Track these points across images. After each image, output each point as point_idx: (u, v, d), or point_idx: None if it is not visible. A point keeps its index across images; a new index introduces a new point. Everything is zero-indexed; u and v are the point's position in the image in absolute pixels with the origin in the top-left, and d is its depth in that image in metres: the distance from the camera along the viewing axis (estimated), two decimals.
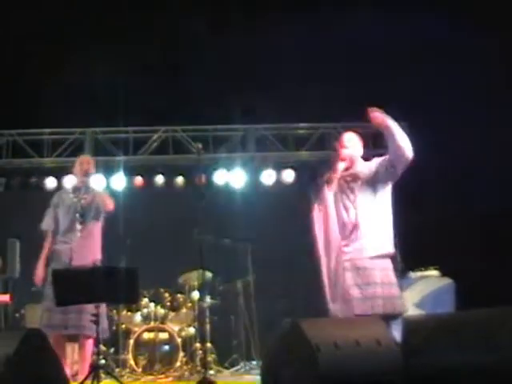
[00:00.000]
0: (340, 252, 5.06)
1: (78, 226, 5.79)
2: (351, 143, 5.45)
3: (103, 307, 5.63)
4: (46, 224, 6.00)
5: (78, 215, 5.79)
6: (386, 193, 5.25)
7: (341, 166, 5.30)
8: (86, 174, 5.97)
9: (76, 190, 5.99)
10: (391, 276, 5.05)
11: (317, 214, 5.26)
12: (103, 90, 8.80)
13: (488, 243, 7.80)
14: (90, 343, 5.82)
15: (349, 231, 5.11)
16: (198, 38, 8.60)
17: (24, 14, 8.06)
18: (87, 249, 5.81)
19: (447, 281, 7.97)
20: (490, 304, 4.02)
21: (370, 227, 5.10)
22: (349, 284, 4.95)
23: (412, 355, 3.94)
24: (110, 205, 5.94)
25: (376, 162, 5.23)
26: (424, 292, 7.94)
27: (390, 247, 5.14)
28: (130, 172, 9.97)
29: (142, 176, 10.08)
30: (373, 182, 5.19)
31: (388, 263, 5.10)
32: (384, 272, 5.02)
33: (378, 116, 5.11)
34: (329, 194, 5.24)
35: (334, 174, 5.27)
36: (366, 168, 5.28)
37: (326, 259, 5.13)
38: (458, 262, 7.71)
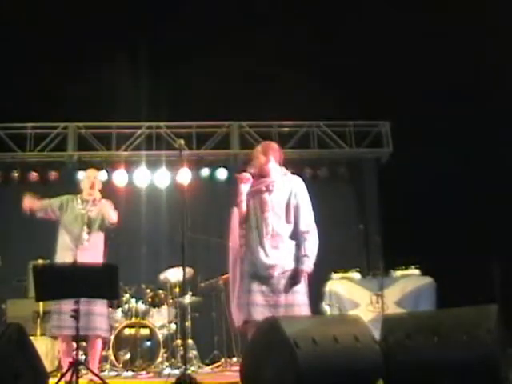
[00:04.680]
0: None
1: (85, 236, 6.08)
2: (265, 153, 5.40)
3: (104, 307, 5.98)
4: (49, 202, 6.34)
5: (85, 226, 6.11)
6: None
7: (244, 188, 5.32)
8: (93, 187, 6.31)
9: (84, 201, 6.27)
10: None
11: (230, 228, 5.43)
12: (87, 84, 8.77)
13: (468, 243, 7.85)
14: (99, 343, 6.16)
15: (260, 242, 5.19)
16: (184, 33, 8.59)
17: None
18: (91, 257, 6.01)
19: (428, 280, 8.02)
20: (470, 303, 4.06)
21: (279, 238, 5.20)
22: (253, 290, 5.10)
23: (392, 352, 3.98)
24: (114, 217, 6.24)
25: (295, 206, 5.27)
26: (405, 291, 7.98)
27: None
28: (113, 167, 9.94)
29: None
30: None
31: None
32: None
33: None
34: (237, 214, 5.34)
35: (239, 198, 5.30)
36: (283, 184, 5.34)
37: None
38: (438, 262, 7.77)
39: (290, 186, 5.30)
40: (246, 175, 5.35)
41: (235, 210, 5.37)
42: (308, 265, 5.11)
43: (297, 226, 5.22)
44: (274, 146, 5.50)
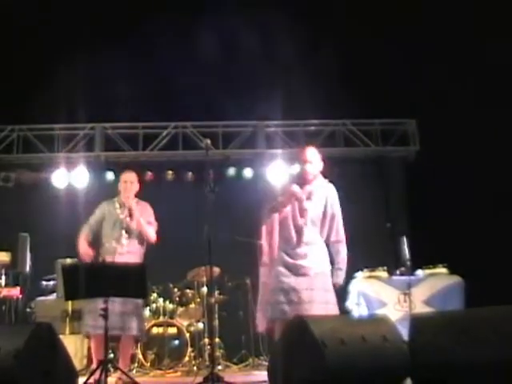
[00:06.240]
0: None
1: (124, 241, 6.05)
2: (314, 159, 5.46)
3: (138, 307, 5.90)
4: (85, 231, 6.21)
5: (123, 231, 6.07)
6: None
7: (295, 188, 5.33)
8: (127, 191, 6.24)
9: (121, 205, 6.22)
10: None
11: (265, 231, 5.40)
12: (114, 85, 8.82)
13: (496, 241, 7.77)
14: (131, 342, 6.16)
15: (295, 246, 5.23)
16: (210, 35, 8.60)
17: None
18: (130, 261, 5.99)
19: (456, 278, 7.94)
20: (499, 302, 4.02)
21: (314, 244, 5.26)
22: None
23: (420, 352, 3.95)
24: (153, 236, 6.24)
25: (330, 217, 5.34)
26: (433, 290, 7.90)
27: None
28: (140, 167, 9.97)
29: (151, 171, 10.08)
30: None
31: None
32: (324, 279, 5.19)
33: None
34: (276, 216, 5.33)
35: (282, 202, 5.30)
36: (321, 192, 5.37)
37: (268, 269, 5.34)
38: (466, 260, 7.69)
39: (326, 194, 5.35)
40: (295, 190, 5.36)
41: (269, 223, 5.36)
42: (342, 278, 5.26)
43: (329, 235, 5.32)
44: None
